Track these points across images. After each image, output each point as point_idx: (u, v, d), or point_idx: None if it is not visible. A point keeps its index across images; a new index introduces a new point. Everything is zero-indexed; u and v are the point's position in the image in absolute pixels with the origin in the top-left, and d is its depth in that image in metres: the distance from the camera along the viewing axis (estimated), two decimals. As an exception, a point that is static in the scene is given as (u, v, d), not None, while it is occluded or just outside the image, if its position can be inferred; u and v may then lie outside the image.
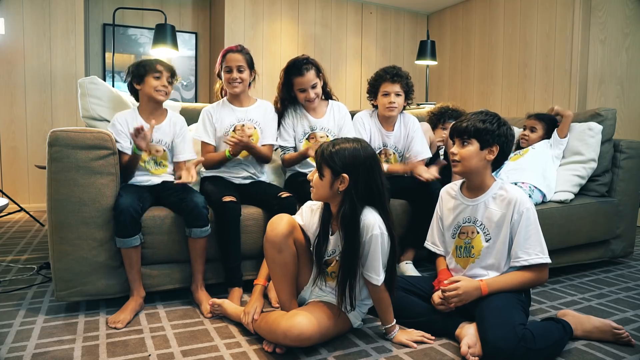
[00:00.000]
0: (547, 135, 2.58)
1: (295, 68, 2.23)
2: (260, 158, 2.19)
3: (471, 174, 1.65)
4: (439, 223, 1.80)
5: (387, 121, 2.37)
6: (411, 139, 2.38)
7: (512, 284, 1.58)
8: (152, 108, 2.04)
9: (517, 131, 2.84)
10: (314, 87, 2.26)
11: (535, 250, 1.58)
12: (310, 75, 2.23)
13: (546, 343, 1.42)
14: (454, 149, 1.66)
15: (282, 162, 2.40)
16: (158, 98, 2.00)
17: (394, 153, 2.39)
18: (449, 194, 1.78)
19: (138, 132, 1.86)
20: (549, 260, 1.59)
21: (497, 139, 1.61)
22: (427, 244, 1.84)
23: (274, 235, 1.54)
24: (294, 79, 2.25)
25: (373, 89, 2.37)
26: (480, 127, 1.60)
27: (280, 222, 1.56)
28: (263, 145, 2.21)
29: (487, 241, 1.64)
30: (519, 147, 2.63)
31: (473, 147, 1.61)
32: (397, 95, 2.28)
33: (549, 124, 2.58)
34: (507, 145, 1.64)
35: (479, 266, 1.66)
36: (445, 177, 2.38)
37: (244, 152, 2.17)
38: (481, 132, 1.60)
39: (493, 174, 2.41)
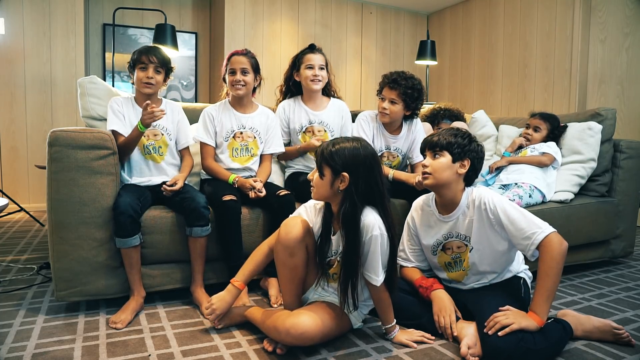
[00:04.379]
0: (550, 136, 2.55)
1: (309, 47, 2.35)
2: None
3: (442, 187, 1.63)
4: (413, 238, 1.79)
5: (388, 124, 2.33)
6: (413, 142, 2.35)
7: (551, 288, 1.47)
8: (145, 98, 2.03)
9: (518, 131, 2.84)
10: (321, 68, 2.31)
11: (533, 229, 1.51)
12: (321, 57, 2.32)
13: (546, 343, 1.42)
14: (426, 161, 1.65)
15: (278, 156, 2.40)
16: (142, 91, 2.01)
17: (397, 156, 2.36)
18: (423, 210, 1.76)
19: (146, 107, 1.86)
20: (552, 229, 1.51)
21: (469, 154, 1.61)
22: (400, 261, 1.79)
23: (288, 239, 1.51)
24: (304, 56, 2.32)
25: (379, 91, 2.34)
26: (452, 140, 1.61)
27: (295, 226, 1.53)
28: (264, 154, 2.25)
29: (471, 251, 1.65)
30: (520, 147, 2.62)
31: (445, 159, 1.61)
32: (392, 102, 2.19)
33: (554, 124, 2.56)
34: (478, 161, 1.64)
35: (473, 274, 1.67)
36: None
37: (244, 159, 2.19)
38: (453, 145, 1.61)
39: (491, 176, 2.39)
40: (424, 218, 1.75)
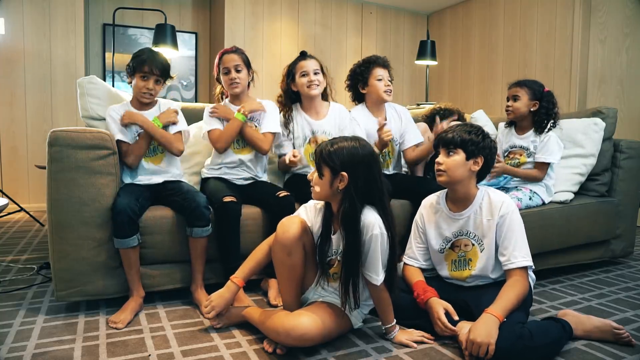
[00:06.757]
0: (533, 99, 2.34)
1: (300, 54, 2.32)
2: (257, 143, 2.14)
3: (456, 184, 1.65)
4: (420, 236, 1.78)
5: (378, 112, 2.40)
6: (405, 127, 2.43)
7: (515, 301, 1.51)
8: (141, 105, 2.04)
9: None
10: (316, 73, 2.26)
11: (522, 252, 1.59)
12: (313, 62, 2.28)
13: (544, 340, 1.42)
14: (440, 158, 1.65)
15: (278, 166, 2.41)
16: (141, 100, 2.02)
17: (390, 142, 2.36)
18: (433, 207, 1.76)
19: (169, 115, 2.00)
20: (527, 264, 1.59)
21: (482, 151, 1.62)
22: (406, 259, 1.79)
23: (285, 238, 1.51)
24: (297, 64, 2.28)
25: (363, 76, 2.35)
26: (466, 137, 1.61)
27: (292, 225, 1.53)
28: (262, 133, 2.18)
29: (481, 251, 1.65)
30: (511, 123, 2.49)
31: (459, 157, 1.62)
32: (390, 81, 2.36)
33: (534, 87, 2.34)
34: (491, 158, 1.66)
35: (476, 274, 1.67)
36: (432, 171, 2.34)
37: (247, 151, 2.18)
38: (467, 143, 1.61)
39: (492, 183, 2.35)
40: (433, 216, 1.75)
